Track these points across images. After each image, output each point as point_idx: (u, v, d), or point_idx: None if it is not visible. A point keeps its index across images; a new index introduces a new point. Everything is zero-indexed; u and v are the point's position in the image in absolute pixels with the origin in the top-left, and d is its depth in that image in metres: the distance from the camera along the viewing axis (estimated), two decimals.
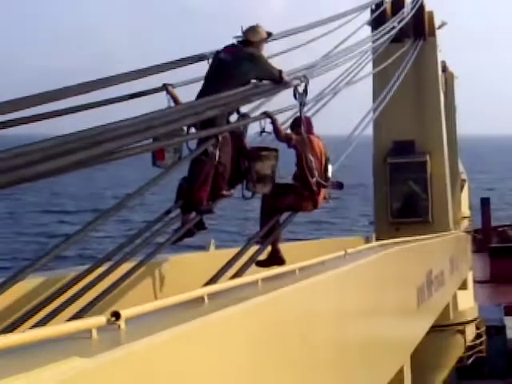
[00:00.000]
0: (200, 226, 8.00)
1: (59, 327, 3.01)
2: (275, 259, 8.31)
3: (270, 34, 8.24)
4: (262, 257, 8.08)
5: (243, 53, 7.92)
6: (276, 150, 8.09)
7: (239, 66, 7.80)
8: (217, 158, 7.74)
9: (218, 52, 8.01)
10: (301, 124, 8.25)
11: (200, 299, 4.13)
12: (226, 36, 8.24)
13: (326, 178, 8.41)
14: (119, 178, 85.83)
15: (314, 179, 8.20)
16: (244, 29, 8.04)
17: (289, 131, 8.41)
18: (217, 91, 7.36)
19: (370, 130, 15.79)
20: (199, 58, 7.94)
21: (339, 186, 8.74)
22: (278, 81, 8.03)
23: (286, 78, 8.05)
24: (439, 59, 18.85)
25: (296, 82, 8.24)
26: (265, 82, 7.98)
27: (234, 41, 8.03)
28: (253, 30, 8.07)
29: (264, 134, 8.22)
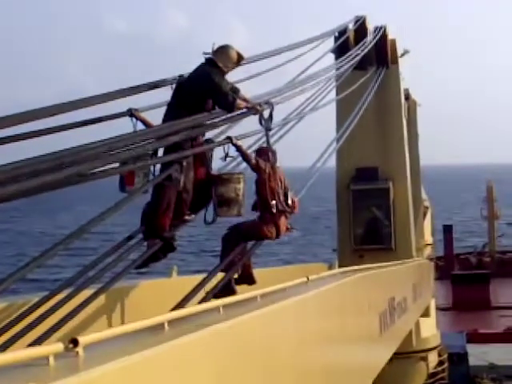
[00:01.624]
0: (168, 249, 7.94)
1: (15, 354, 2.96)
2: (246, 278, 8.32)
3: (240, 57, 8.16)
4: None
5: (202, 71, 7.86)
6: (241, 173, 8.10)
7: (193, 85, 7.76)
8: (181, 184, 7.72)
9: (180, 76, 8.00)
10: (267, 153, 8.31)
11: (160, 326, 4.09)
12: (187, 68, 8.17)
13: (287, 205, 8.44)
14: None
15: (274, 202, 8.23)
16: (215, 47, 7.96)
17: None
18: (177, 115, 7.35)
19: (332, 161, 15.85)
20: (160, 82, 7.93)
21: (294, 205, 8.74)
22: (228, 108, 7.90)
23: (239, 106, 7.92)
24: (402, 87, 19.04)
25: (261, 107, 8.27)
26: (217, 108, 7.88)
27: (203, 57, 7.97)
28: (222, 50, 7.96)
29: (228, 158, 8.24)
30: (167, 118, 7.69)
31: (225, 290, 7.91)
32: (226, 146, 8.05)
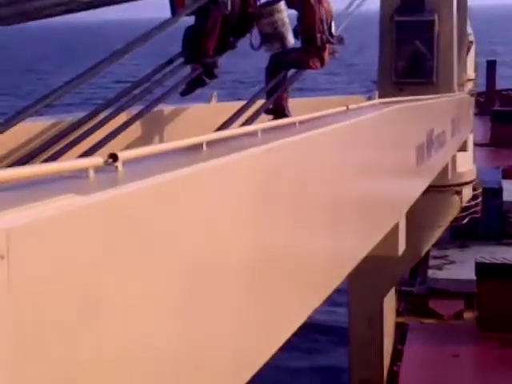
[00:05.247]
0: (210, 75, 7.88)
1: (55, 165, 3.02)
2: (279, 111, 8.29)
3: None
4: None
5: None
6: (274, 3, 7.86)
7: None
8: (228, 7, 7.56)
9: None
10: None
11: (199, 146, 4.13)
12: None
13: (331, 35, 8.28)
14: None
15: (319, 35, 8.07)
16: None
17: None
18: None
19: (368, 3, 15.30)
20: None
21: (340, 40, 8.61)
22: None
23: None
24: None
25: None
26: None
27: None
28: None
29: None
30: None
31: (278, 113, 7.91)
32: None
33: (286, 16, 7.91)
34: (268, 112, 8.14)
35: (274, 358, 4.57)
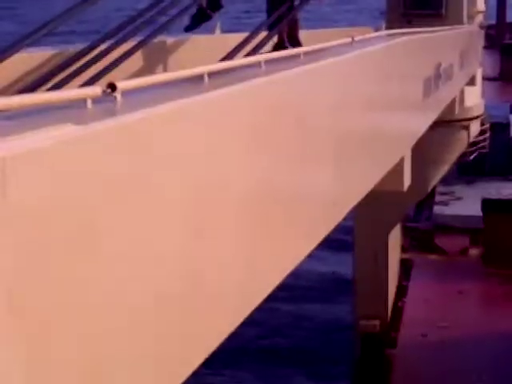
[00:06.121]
0: (214, 6, 7.73)
1: (53, 95, 2.97)
2: (292, 40, 8.18)
3: None
4: None
5: None
6: None
7: None
8: None
9: None
10: None
11: (200, 77, 4.06)
12: None
13: None
14: None
15: None
16: None
17: None
18: None
19: None
20: None
21: None
22: None
23: None
24: None
25: None
26: None
27: None
28: None
29: None
30: None
31: (279, 48, 7.81)
32: None
33: None
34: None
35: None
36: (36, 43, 5.27)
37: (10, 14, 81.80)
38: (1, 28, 65.53)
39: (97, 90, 3.11)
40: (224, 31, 10.08)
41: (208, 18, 7.74)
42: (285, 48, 7.89)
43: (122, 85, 3.24)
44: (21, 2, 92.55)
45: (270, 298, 4.51)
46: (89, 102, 3.04)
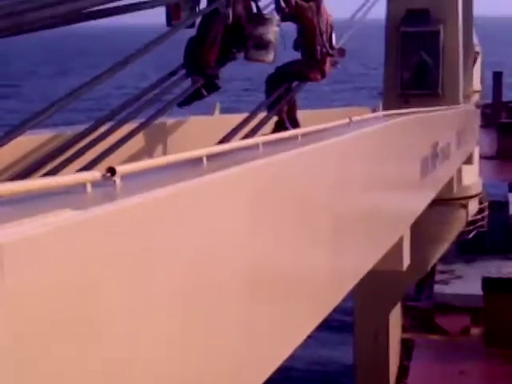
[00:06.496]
0: (211, 87, 7.84)
1: (52, 180, 2.98)
2: (290, 121, 8.26)
3: None
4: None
5: None
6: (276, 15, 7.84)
7: None
8: (230, 18, 7.52)
9: None
10: None
11: (198, 160, 4.09)
12: None
13: (331, 47, 8.25)
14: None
15: (319, 48, 8.03)
16: None
17: None
18: None
19: (373, 12, 15.26)
20: None
21: (341, 52, 8.59)
22: None
23: None
24: None
25: None
26: None
27: None
28: None
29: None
30: None
31: (279, 130, 7.89)
32: None
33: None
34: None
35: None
36: (37, 126, 5.32)
37: (15, 93, 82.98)
38: (6, 105, 66.38)
39: (96, 174, 3.13)
40: (224, 108, 10.20)
41: (202, 97, 7.84)
42: (285, 128, 7.96)
43: (121, 169, 3.26)
44: (25, 80, 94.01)
45: (268, 382, 4.45)
46: (88, 187, 3.06)
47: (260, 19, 7.66)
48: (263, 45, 7.65)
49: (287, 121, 8.29)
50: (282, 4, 7.86)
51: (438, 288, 22.23)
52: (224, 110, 10.50)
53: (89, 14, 4.33)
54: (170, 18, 7.44)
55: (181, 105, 7.58)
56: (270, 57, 7.73)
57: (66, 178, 3.09)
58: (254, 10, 7.93)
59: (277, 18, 7.67)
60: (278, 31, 7.66)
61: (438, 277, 22.84)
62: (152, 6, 6.41)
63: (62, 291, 2.60)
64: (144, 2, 5.55)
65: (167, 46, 6.52)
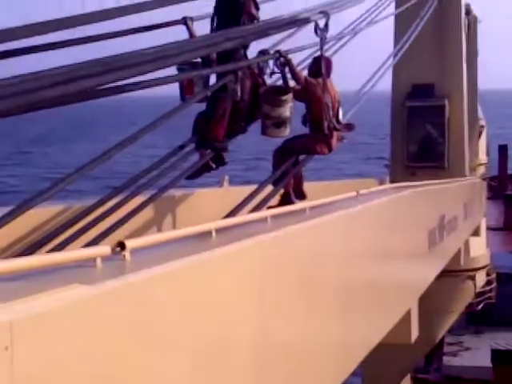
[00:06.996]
0: (219, 161, 7.92)
1: (63, 255, 3.02)
2: (297, 193, 8.31)
3: None
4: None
5: None
6: (291, 90, 7.95)
7: None
8: (238, 94, 7.64)
9: None
10: (321, 63, 8.12)
11: (208, 234, 4.12)
12: None
13: (338, 122, 8.34)
14: None
15: (326, 123, 8.12)
16: None
17: (305, 72, 8.31)
18: (224, 24, 7.26)
19: (381, 84, 15.41)
20: None
21: (350, 127, 8.67)
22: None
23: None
24: (463, 1, 18.53)
25: (317, 16, 8.08)
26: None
27: None
28: None
29: (274, 75, 8.09)
30: (216, 27, 7.63)
31: (285, 202, 7.93)
32: (272, 62, 7.91)
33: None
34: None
35: None
36: (45, 201, 5.37)
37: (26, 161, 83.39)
38: (11, 182, 66.56)
39: (106, 248, 3.16)
40: (233, 177, 10.25)
41: (210, 169, 7.92)
42: (291, 202, 8.01)
43: (130, 243, 3.29)
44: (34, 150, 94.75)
45: None
46: (98, 261, 3.09)
47: (278, 102, 7.72)
48: (282, 123, 7.74)
49: (293, 193, 8.34)
50: (292, 83, 7.98)
51: (447, 360, 21.97)
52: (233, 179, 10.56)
53: (100, 91, 4.40)
54: (184, 92, 7.58)
55: (189, 178, 7.65)
56: (287, 131, 7.84)
57: (76, 252, 3.13)
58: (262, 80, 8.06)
59: (290, 95, 7.76)
60: (293, 106, 7.77)
61: (446, 348, 22.60)
62: (170, 82, 6.51)
63: (72, 368, 2.60)
64: (162, 77, 5.64)
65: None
